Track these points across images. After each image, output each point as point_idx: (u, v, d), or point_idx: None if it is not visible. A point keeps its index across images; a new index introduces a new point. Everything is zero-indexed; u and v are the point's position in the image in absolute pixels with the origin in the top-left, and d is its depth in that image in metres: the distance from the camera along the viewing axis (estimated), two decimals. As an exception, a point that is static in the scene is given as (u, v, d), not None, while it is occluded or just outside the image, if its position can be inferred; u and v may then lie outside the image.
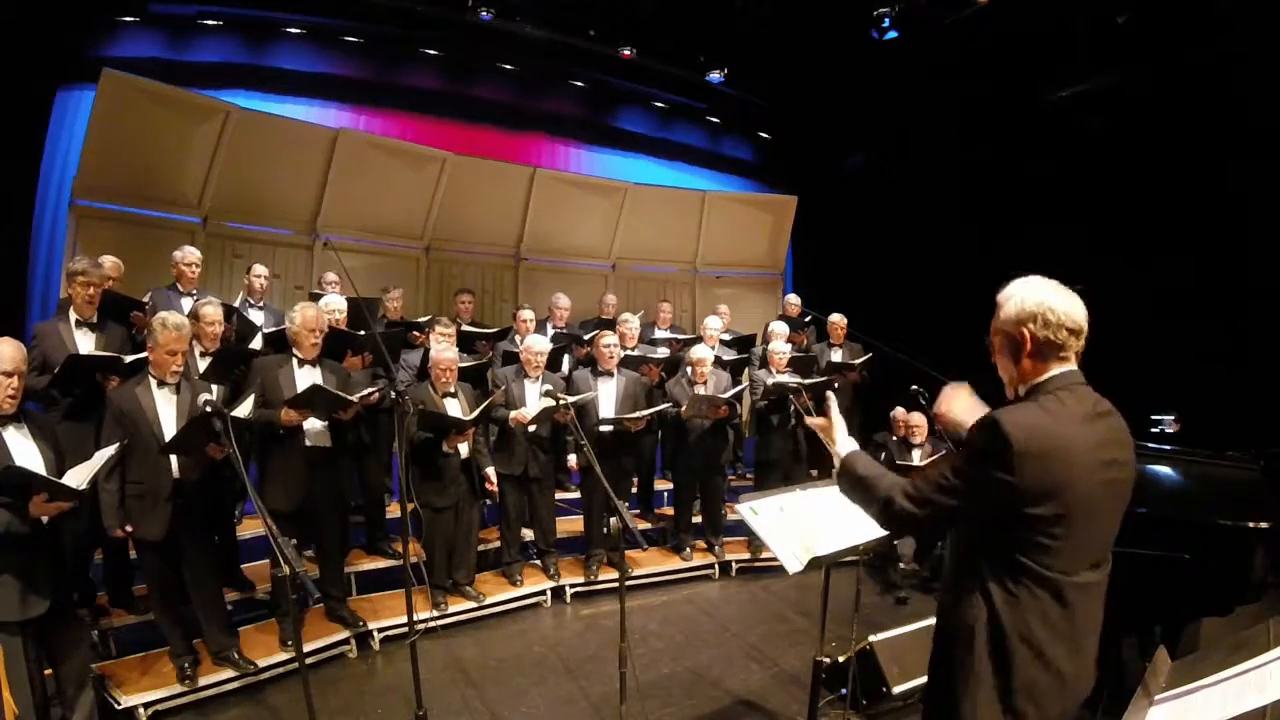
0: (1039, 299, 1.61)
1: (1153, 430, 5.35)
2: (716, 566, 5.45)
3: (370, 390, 4.10)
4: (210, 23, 6.69)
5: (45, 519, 2.71)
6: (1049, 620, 1.57)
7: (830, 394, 2.07)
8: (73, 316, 3.81)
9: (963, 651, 1.63)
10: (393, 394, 3.10)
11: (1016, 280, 1.68)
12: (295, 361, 3.86)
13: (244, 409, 3.50)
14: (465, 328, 5.61)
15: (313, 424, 3.81)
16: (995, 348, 1.71)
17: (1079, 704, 1.67)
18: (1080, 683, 1.65)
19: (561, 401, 3.65)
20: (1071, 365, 1.64)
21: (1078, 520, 1.54)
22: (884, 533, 2.58)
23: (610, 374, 5.06)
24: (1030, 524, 1.53)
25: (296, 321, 3.85)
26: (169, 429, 3.31)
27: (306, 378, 3.85)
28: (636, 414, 4.88)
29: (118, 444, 3.07)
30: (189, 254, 4.77)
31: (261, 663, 3.64)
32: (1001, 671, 1.59)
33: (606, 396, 4.99)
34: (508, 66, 8.14)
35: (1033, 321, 1.60)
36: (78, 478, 2.71)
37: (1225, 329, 5.72)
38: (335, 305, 4.71)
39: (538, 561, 5.12)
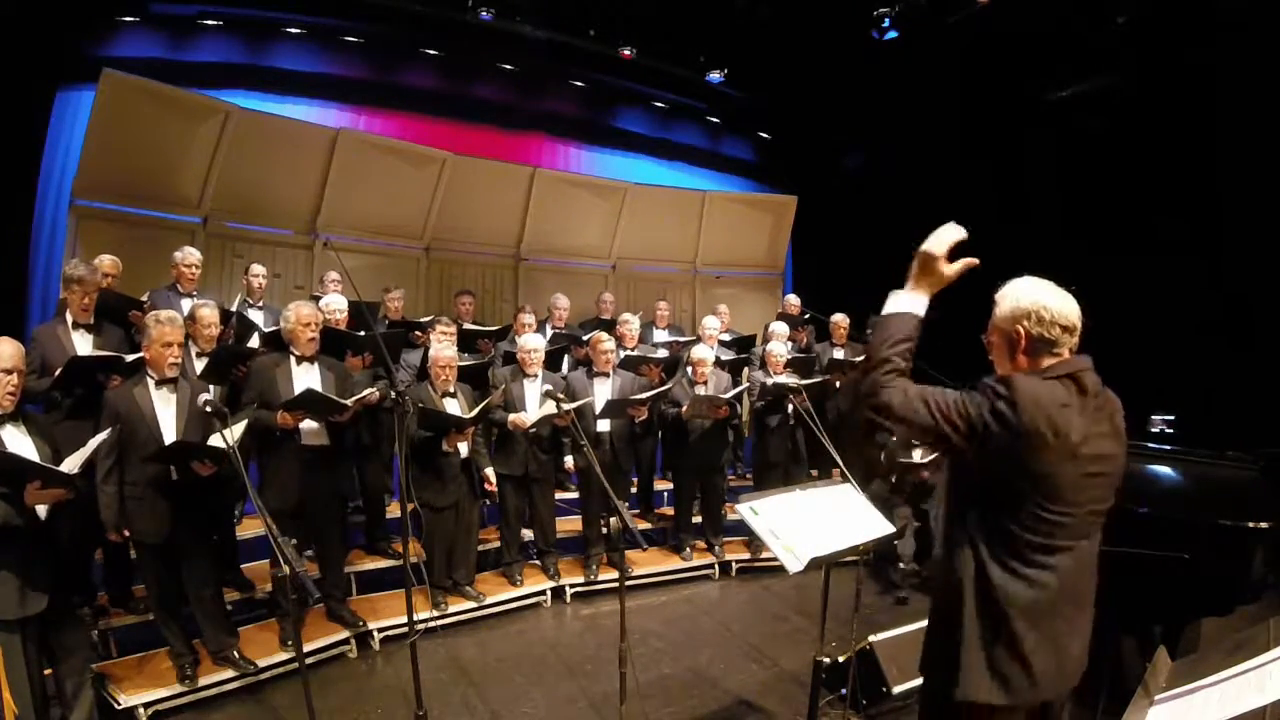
0: (1034, 297, 1.67)
1: (1152, 430, 5.34)
2: (716, 566, 5.45)
3: (368, 391, 4.10)
4: (210, 23, 6.68)
5: (43, 515, 2.71)
6: (1031, 582, 1.61)
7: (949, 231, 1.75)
8: (69, 318, 3.82)
9: (953, 609, 1.67)
10: (393, 394, 3.10)
11: (1013, 280, 1.74)
12: (293, 360, 3.86)
13: (237, 430, 3.47)
14: (467, 326, 5.61)
15: (309, 423, 3.81)
16: (993, 346, 1.77)
17: (1070, 683, 1.69)
18: (1071, 656, 1.67)
19: (563, 408, 3.64)
20: (1064, 358, 1.69)
21: (1063, 487, 1.58)
22: (884, 532, 2.59)
23: (606, 375, 5.05)
24: (1015, 484, 1.58)
25: (291, 320, 3.85)
26: (167, 428, 3.31)
27: (304, 375, 3.85)
28: (641, 395, 4.87)
29: (111, 429, 3.07)
30: (189, 255, 4.77)
31: (261, 663, 3.64)
32: (988, 630, 1.63)
33: (603, 398, 4.98)
34: (508, 66, 8.14)
35: (1027, 319, 1.66)
36: (71, 464, 2.72)
37: (1225, 328, 5.72)
38: (336, 305, 4.71)
39: (538, 561, 5.12)
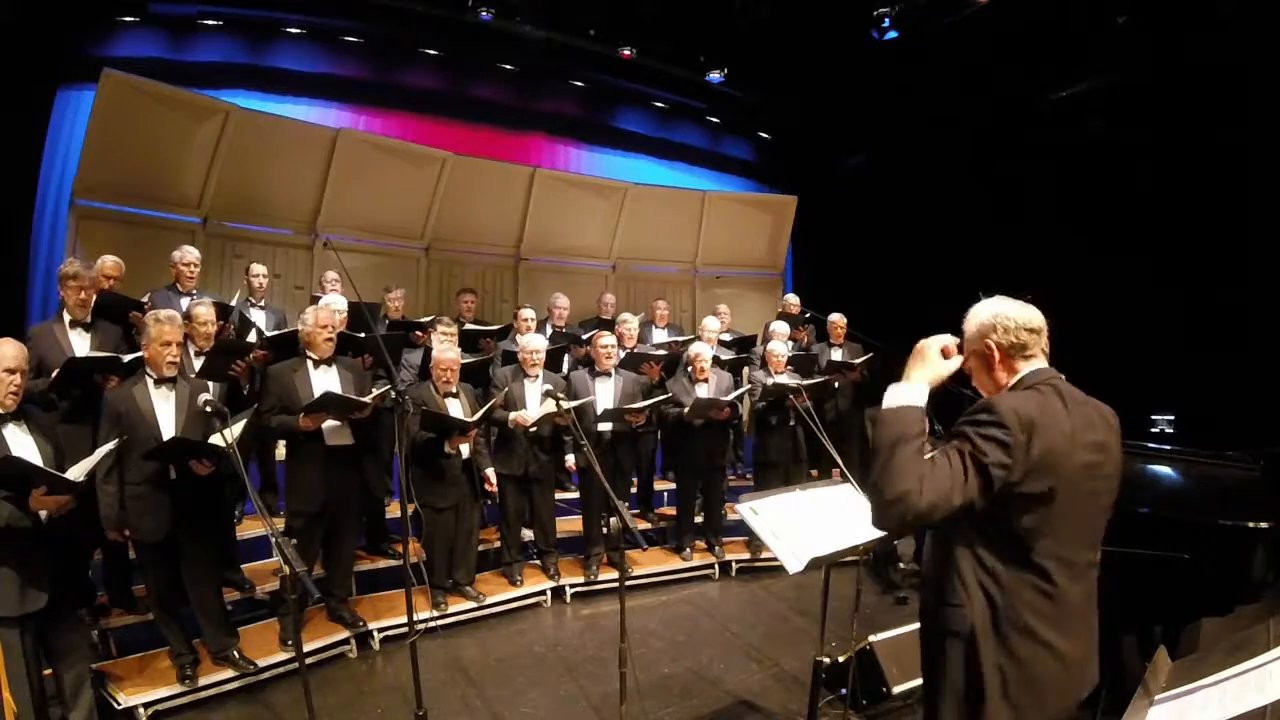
0: (993, 311, 1.76)
1: (1153, 430, 5.35)
2: (716, 566, 5.45)
3: (379, 391, 4.10)
4: (210, 23, 6.68)
5: (44, 516, 2.71)
6: (1039, 603, 1.60)
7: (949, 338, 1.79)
8: (66, 317, 3.81)
9: (954, 648, 1.65)
10: (393, 394, 3.11)
11: (972, 306, 1.82)
12: (310, 363, 3.88)
13: (237, 429, 3.46)
14: (468, 326, 5.62)
15: (331, 423, 3.83)
16: (972, 370, 1.82)
17: (1081, 696, 1.69)
18: (1082, 670, 1.68)
19: (563, 407, 3.63)
20: (1041, 362, 1.74)
21: (1065, 499, 1.59)
22: (884, 533, 2.59)
23: (608, 374, 5.06)
24: (1022, 504, 1.58)
25: (309, 322, 3.88)
26: (167, 427, 3.31)
27: (322, 378, 3.87)
28: (638, 405, 4.88)
29: (116, 439, 3.07)
30: (187, 254, 4.77)
31: (261, 663, 3.64)
32: (998, 663, 1.61)
33: (605, 397, 4.99)
34: (508, 66, 8.14)
35: (993, 331, 1.74)
36: (77, 472, 2.72)
37: (1225, 328, 5.72)
38: (335, 306, 4.71)
39: (538, 561, 5.12)
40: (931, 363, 1.69)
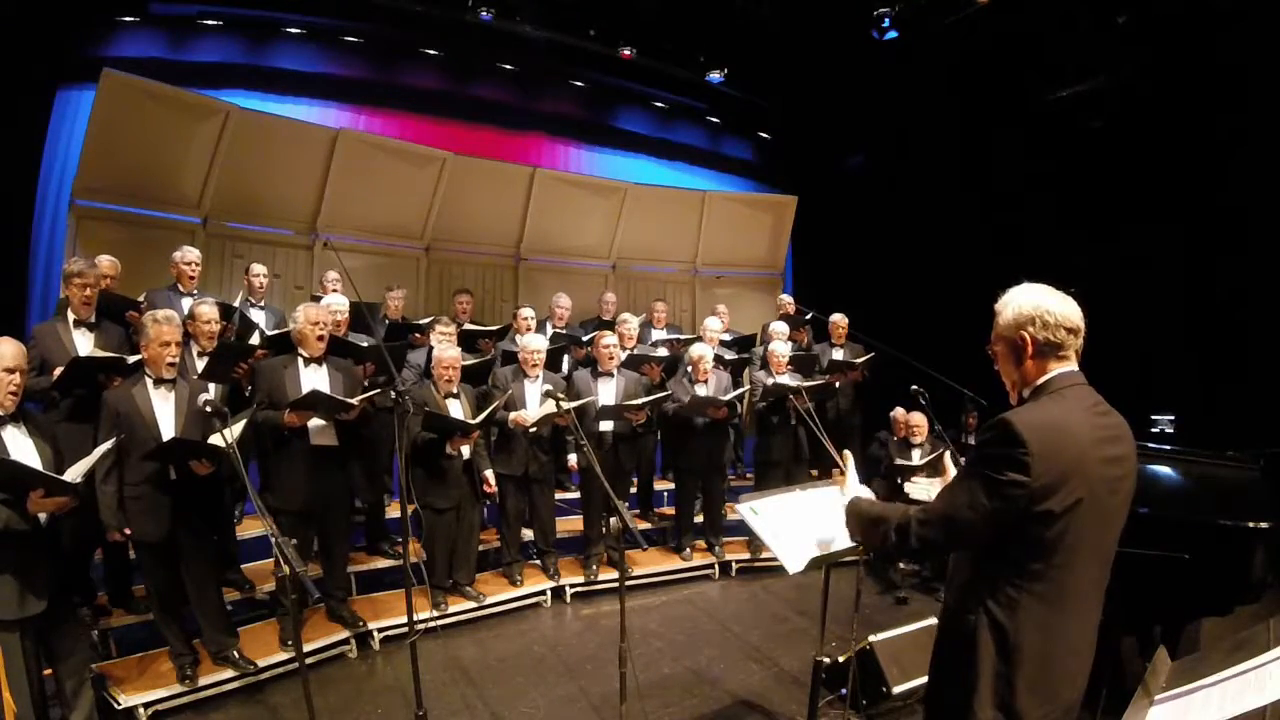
0: (1035, 302, 1.66)
1: (1153, 430, 5.35)
2: (716, 566, 5.46)
3: (371, 392, 4.09)
4: (210, 23, 6.69)
5: (44, 518, 2.71)
6: (1052, 620, 1.58)
7: (848, 453, 2.17)
8: (70, 317, 3.81)
9: (966, 653, 1.64)
10: (393, 394, 3.11)
11: (1012, 289, 1.73)
12: (301, 361, 3.87)
13: (237, 430, 3.46)
14: (467, 326, 5.61)
15: (316, 423, 3.81)
16: (998, 355, 1.75)
17: (1078, 702, 1.68)
18: (1082, 681, 1.67)
19: (563, 407, 3.63)
20: (1072, 365, 1.67)
21: (1084, 515, 1.56)
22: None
23: (610, 375, 5.06)
24: (1041, 521, 1.54)
25: (300, 320, 3.86)
26: (166, 428, 3.31)
27: (312, 377, 3.85)
28: (637, 401, 4.88)
29: (114, 439, 3.07)
30: (188, 254, 4.77)
31: (261, 663, 3.64)
32: (1006, 672, 1.60)
33: (607, 397, 4.98)
34: (508, 66, 8.14)
35: (1031, 324, 1.65)
36: (74, 473, 2.72)
37: (1226, 329, 5.72)
38: (337, 305, 4.71)
39: (538, 561, 5.12)
40: (848, 482, 2.03)
